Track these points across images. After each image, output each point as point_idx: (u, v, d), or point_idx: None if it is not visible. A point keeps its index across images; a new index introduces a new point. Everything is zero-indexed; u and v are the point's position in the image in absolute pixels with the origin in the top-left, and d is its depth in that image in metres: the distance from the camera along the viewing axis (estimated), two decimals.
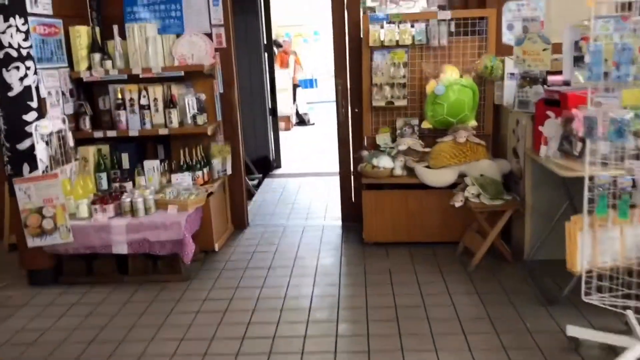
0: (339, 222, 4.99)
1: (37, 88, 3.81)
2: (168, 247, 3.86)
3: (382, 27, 4.40)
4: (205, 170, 4.42)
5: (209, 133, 4.40)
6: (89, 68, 4.37)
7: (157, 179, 4.33)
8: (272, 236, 4.76)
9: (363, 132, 4.60)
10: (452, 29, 4.40)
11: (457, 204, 3.88)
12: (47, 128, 3.87)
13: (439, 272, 3.86)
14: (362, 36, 4.51)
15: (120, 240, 3.86)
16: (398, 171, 4.26)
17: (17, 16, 3.64)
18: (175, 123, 4.36)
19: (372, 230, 4.36)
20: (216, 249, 4.40)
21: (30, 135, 3.75)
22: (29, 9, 3.82)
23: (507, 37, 4.20)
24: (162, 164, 4.44)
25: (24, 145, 3.76)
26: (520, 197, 3.87)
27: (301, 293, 3.65)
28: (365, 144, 4.58)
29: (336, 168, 4.97)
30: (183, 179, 4.27)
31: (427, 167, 4.21)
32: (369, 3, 4.76)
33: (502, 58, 4.15)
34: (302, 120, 11.50)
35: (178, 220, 3.83)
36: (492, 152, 4.37)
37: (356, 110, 4.73)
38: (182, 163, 4.37)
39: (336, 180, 5.02)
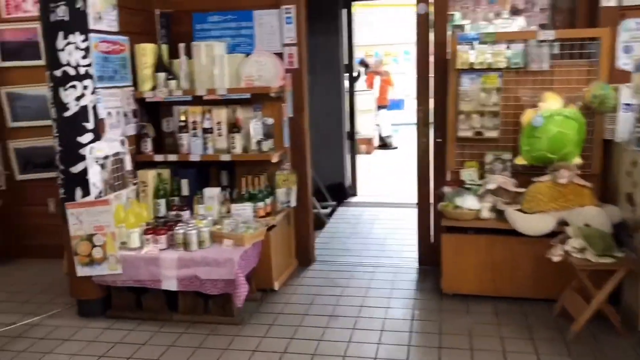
0: (415, 265, 4.45)
1: (94, 108, 3.60)
2: (220, 286, 3.51)
3: (472, 47, 3.87)
4: (268, 200, 4.05)
5: (274, 160, 4.03)
6: (154, 88, 4.15)
7: (216, 209, 4.00)
8: (339, 276, 4.30)
9: (446, 165, 4.06)
10: (556, 51, 3.79)
11: (555, 259, 3.25)
12: (102, 151, 3.65)
13: (529, 338, 3.24)
14: (449, 57, 4.00)
15: (170, 276, 3.55)
16: (485, 213, 3.69)
17: (77, 33, 3.45)
18: (238, 149, 4.04)
19: (451, 279, 3.79)
20: (276, 287, 3.99)
21: (84, 158, 3.54)
22: (92, 26, 3.63)
23: (623, 62, 3.59)
24: (224, 191, 4.12)
25: (77, 168, 3.55)
26: (635, 254, 3.19)
27: (363, 353, 3.16)
28: (448, 179, 4.03)
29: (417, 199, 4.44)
30: (243, 210, 3.92)
31: (520, 210, 3.61)
32: (458, 21, 4.25)
33: (616, 86, 3.50)
34: (384, 144, 11.00)
35: (231, 258, 3.47)
36: (600, 197, 3.69)
37: (439, 140, 4.20)
38: (243, 192, 4.03)
39: (416, 214, 4.48)
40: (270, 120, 4.12)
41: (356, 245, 5.05)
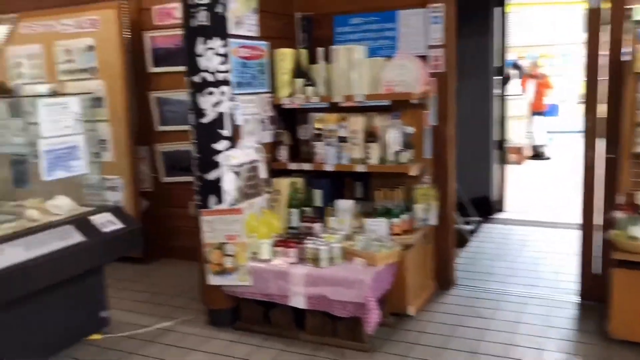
0: (575, 299, 3.85)
1: (231, 115, 3.53)
2: (349, 308, 3.24)
3: None
4: (404, 216, 3.72)
5: (412, 173, 3.70)
6: (291, 94, 4.01)
7: (349, 222, 3.76)
8: (483, 305, 3.84)
9: (618, 186, 3.44)
10: None
11: None
12: (237, 158, 3.57)
13: None
14: (625, 59, 3.38)
15: (298, 292, 3.36)
16: None
17: (216, 38, 3.39)
18: (374, 159, 3.76)
19: (622, 322, 3.18)
20: (410, 313, 3.65)
21: (219, 165, 3.48)
22: (231, 30, 3.57)
23: None
24: (358, 204, 3.87)
25: (211, 175, 3.50)
26: None
27: None
28: (621, 202, 3.41)
29: (577, 220, 3.83)
30: (377, 226, 3.63)
31: None
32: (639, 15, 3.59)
33: None
34: (536, 153, 10.10)
35: (362, 279, 3.19)
36: None
37: (611, 156, 3.58)
38: (378, 206, 3.74)
39: (576, 237, 3.87)
40: (410, 129, 3.79)
41: (503, 270, 4.53)
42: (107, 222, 3.55)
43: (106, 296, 3.71)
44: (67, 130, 3.50)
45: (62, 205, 3.57)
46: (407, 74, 3.74)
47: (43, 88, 4.96)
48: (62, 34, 4.91)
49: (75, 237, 3.31)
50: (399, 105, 3.80)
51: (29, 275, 3.00)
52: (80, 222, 3.43)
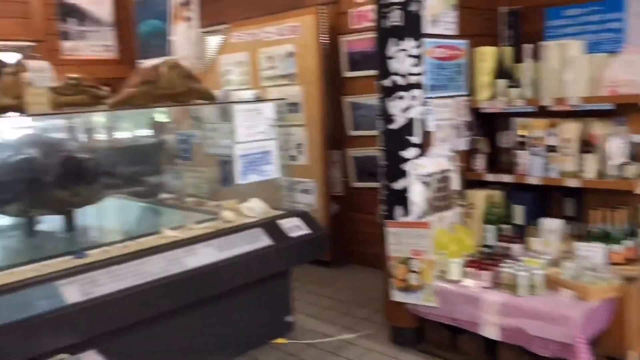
0: None
1: (422, 121, 3.28)
2: (552, 347, 2.77)
3: None
4: (628, 243, 3.10)
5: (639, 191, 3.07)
6: (491, 97, 3.62)
7: (555, 246, 3.26)
8: None
9: None
10: None
11: None
12: (426, 167, 3.31)
13: None
14: None
15: (490, 321, 2.98)
16: None
17: (409, 38, 3.17)
18: (590, 172, 3.20)
19: None
20: (632, 359, 3.02)
21: (406, 174, 3.26)
22: (426, 30, 3.31)
23: None
24: (568, 224, 3.34)
25: (398, 184, 3.29)
26: None
27: None
28: None
29: None
30: (591, 252, 3.08)
31: None
32: None
33: None
34: None
35: (570, 315, 2.70)
36: None
37: None
38: (594, 229, 3.18)
39: None
40: (638, 138, 3.16)
41: None
42: (294, 227, 3.55)
43: (291, 300, 3.72)
44: (262, 135, 3.58)
45: (255, 208, 3.66)
46: (636, 72, 3.12)
47: (248, 94, 5.25)
48: (265, 41, 5.12)
49: (263, 240, 3.36)
50: (624, 110, 3.18)
51: (219, 275, 3.10)
52: (269, 226, 3.48)
